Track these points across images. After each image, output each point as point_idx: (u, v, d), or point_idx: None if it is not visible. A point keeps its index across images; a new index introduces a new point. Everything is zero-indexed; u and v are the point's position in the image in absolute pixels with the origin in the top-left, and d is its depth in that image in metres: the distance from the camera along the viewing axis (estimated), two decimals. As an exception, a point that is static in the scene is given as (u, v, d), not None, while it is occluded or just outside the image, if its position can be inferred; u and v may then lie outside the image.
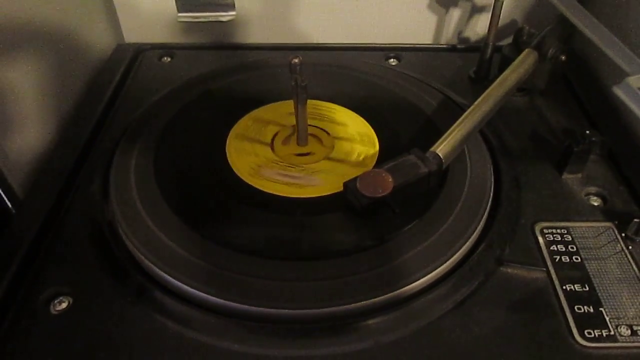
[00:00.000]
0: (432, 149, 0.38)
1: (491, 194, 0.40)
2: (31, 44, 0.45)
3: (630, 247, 0.37)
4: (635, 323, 0.33)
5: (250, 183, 0.41)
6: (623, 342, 0.32)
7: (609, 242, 0.38)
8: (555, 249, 0.37)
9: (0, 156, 0.41)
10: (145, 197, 0.39)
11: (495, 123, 0.47)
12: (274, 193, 0.40)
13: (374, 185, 0.35)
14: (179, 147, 0.44)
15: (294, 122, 0.43)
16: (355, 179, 0.37)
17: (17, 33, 0.43)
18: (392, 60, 0.57)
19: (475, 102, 0.42)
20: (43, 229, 0.38)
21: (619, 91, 0.34)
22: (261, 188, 0.40)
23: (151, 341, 0.32)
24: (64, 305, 0.33)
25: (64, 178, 0.42)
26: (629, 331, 0.32)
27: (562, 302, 0.34)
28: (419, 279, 0.34)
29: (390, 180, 0.35)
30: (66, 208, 0.40)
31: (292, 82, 0.39)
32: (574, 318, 0.33)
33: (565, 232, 0.38)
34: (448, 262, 0.35)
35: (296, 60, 0.38)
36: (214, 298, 0.33)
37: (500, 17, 0.52)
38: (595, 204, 0.41)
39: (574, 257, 0.37)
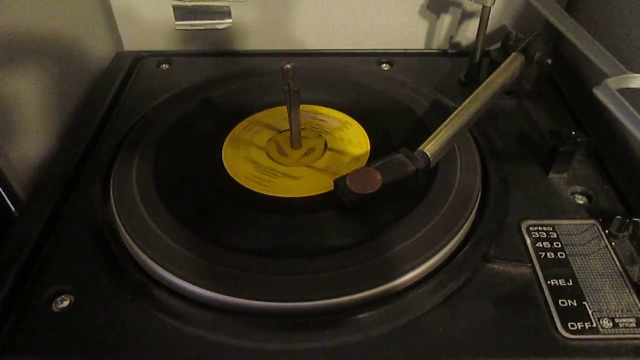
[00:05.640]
0: (420, 148, 0.40)
1: (479, 193, 0.41)
2: (33, 54, 0.47)
3: (613, 243, 0.38)
4: (617, 316, 0.34)
5: (244, 184, 0.42)
6: (605, 334, 0.33)
7: (593, 239, 0.39)
8: (541, 245, 0.38)
9: (3, 161, 0.42)
10: (145, 199, 0.40)
11: (484, 125, 0.48)
12: (268, 193, 0.41)
13: (363, 182, 0.37)
14: (178, 151, 0.46)
15: (288, 126, 0.45)
16: (345, 176, 0.38)
17: (19, 43, 0.45)
18: (384, 65, 0.59)
19: (463, 104, 0.43)
20: (45, 231, 0.39)
21: (598, 92, 0.35)
22: (255, 189, 0.41)
23: (150, 336, 0.33)
24: (66, 303, 0.34)
25: (65, 182, 0.44)
26: (611, 323, 0.33)
27: (547, 296, 0.35)
28: (407, 275, 0.35)
29: (378, 177, 0.37)
30: (67, 210, 0.41)
31: (284, 87, 0.41)
32: (557, 311, 0.34)
33: (551, 229, 0.40)
34: (436, 258, 0.36)
35: (288, 66, 0.39)
36: (210, 294, 0.34)
37: (490, 22, 0.53)
38: (581, 202, 0.42)
39: (559, 254, 0.38)
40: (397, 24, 0.61)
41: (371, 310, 0.34)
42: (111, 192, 0.41)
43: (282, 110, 0.46)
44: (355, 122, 0.48)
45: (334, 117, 0.49)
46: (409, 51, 0.61)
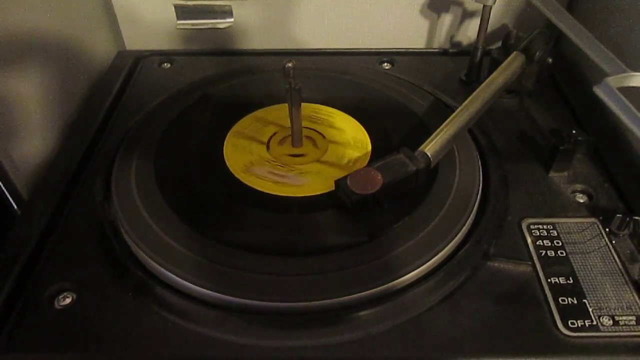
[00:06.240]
0: (420, 148, 0.40)
1: (479, 192, 0.41)
2: (35, 54, 0.47)
3: (613, 242, 0.38)
4: (617, 313, 0.34)
5: (246, 183, 0.42)
6: (605, 331, 0.33)
7: (593, 237, 0.39)
8: (542, 244, 0.38)
9: (6, 160, 0.42)
10: (146, 197, 0.40)
11: (485, 124, 0.48)
12: (270, 192, 0.41)
13: (363, 182, 0.37)
14: (178, 148, 0.46)
15: (289, 124, 0.45)
16: (346, 176, 0.38)
17: (21, 43, 0.45)
18: (385, 64, 0.59)
19: (464, 104, 0.43)
20: (47, 229, 0.40)
21: (598, 91, 0.35)
22: (257, 187, 0.42)
23: (152, 334, 0.33)
24: (68, 300, 0.35)
25: (67, 180, 0.44)
26: (611, 321, 0.33)
27: (547, 294, 0.35)
28: (409, 273, 0.35)
29: (379, 177, 0.37)
30: (69, 208, 0.42)
31: (286, 85, 0.41)
32: (558, 309, 0.34)
33: (552, 227, 0.40)
34: (437, 257, 0.37)
35: (290, 65, 0.40)
36: (211, 292, 0.34)
37: (491, 22, 0.53)
38: (581, 200, 0.42)
39: (559, 252, 0.38)
40: (398, 23, 0.61)
41: (372, 308, 0.34)
42: (112, 189, 0.41)
43: (283, 108, 0.46)
44: (356, 122, 0.48)
45: (335, 116, 0.49)
46: (410, 50, 0.61)
